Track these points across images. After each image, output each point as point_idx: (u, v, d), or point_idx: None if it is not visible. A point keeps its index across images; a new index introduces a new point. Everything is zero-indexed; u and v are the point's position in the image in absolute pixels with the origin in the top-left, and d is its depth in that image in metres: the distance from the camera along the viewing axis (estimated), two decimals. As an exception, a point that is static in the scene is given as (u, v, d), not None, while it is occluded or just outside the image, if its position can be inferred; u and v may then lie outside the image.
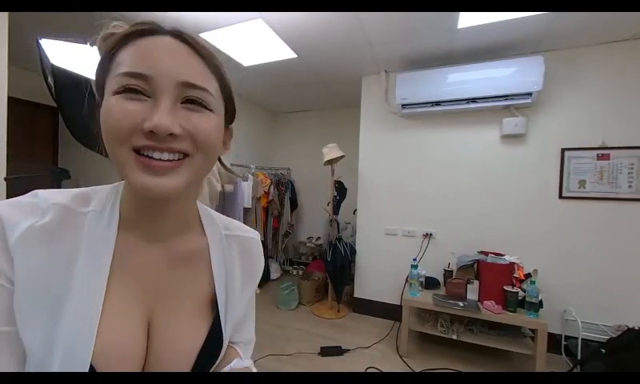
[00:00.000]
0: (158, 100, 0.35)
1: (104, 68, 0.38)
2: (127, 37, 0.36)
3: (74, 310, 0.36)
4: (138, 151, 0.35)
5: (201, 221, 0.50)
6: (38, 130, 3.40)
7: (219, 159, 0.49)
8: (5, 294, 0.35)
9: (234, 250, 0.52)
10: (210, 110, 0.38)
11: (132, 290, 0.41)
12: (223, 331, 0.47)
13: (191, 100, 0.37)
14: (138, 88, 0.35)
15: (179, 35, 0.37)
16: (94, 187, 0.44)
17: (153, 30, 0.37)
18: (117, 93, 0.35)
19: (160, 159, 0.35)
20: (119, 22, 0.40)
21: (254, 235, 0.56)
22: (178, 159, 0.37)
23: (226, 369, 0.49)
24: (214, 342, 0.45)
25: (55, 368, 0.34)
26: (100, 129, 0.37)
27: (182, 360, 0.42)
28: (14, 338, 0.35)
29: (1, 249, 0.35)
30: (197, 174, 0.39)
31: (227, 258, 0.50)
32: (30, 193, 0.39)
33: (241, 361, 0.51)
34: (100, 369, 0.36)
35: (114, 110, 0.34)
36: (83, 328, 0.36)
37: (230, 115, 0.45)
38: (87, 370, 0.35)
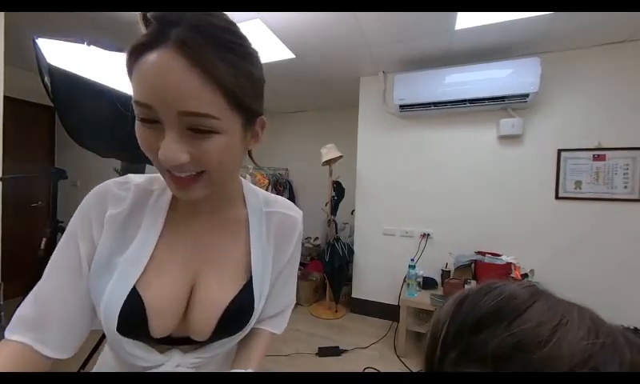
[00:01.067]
0: (164, 129, 0.36)
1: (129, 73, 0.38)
2: (135, 51, 0.35)
3: (128, 258, 0.45)
4: None
5: (244, 196, 0.55)
6: (35, 130, 3.38)
7: (249, 152, 0.50)
8: (90, 253, 0.46)
9: (273, 224, 0.56)
10: (217, 132, 0.37)
11: (180, 253, 0.49)
12: (255, 294, 0.51)
13: (195, 128, 0.36)
14: (148, 117, 0.36)
15: (182, 46, 0.34)
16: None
17: (154, 42, 0.34)
18: (138, 120, 0.37)
19: (180, 175, 0.39)
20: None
21: (295, 213, 0.59)
22: (197, 173, 0.39)
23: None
24: (243, 300, 0.50)
25: (106, 294, 0.43)
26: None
27: (211, 309, 0.48)
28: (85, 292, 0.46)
29: (98, 220, 0.46)
30: (218, 181, 0.42)
31: (265, 232, 0.55)
32: (124, 176, 0.51)
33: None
34: (144, 296, 0.44)
35: (139, 137, 0.38)
36: (130, 270, 0.44)
37: (253, 113, 0.42)
38: (127, 294, 0.43)
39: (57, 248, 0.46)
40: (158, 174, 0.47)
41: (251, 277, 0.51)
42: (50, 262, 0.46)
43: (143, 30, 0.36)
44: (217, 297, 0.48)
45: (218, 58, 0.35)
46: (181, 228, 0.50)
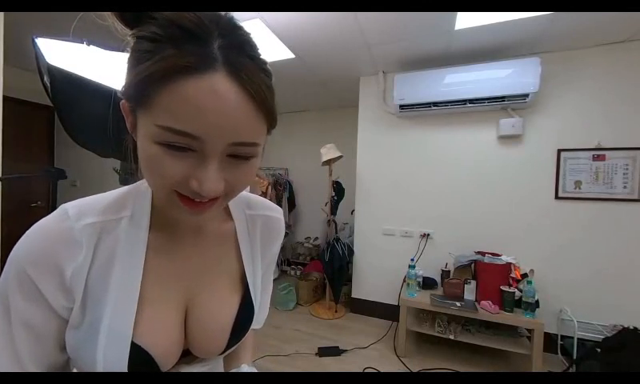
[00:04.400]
0: (205, 160, 0.33)
1: (137, 95, 0.32)
2: (172, 73, 0.29)
3: (113, 307, 0.39)
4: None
5: (227, 205, 0.52)
6: (34, 130, 3.38)
7: None
8: (55, 321, 0.39)
9: (257, 228, 0.54)
10: (254, 157, 0.36)
11: (168, 277, 0.44)
12: (254, 303, 0.51)
13: (236, 155, 0.34)
14: (185, 146, 0.32)
15: (234, 71, 0.31)
16: (120, 192, 0.44)
17: (200, 65, 0.29)
18: (159, 143, 0.32)
19: (201, 200, 0.35)
20: (157, 29, 0.31)
21: (276, 213, 0.58)
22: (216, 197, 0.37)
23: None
24: (245, 314, 0.49)
25: (100, 354, 0.37)
26: (114, 123, 0.37)
27: (219, 333, 0.46)
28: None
29: (52, 282, 0.37)
30: (228, 201, 0.40)
31: (252, 237, 0.53)
32: (59, 212, 0.39)
33: (246, 367, 0.55)
34: (145, 346, 0.39)
35: (158, 162, 0.32)
36: (122, 321, 0.39)
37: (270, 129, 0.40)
38: (128, 350, 0.38)
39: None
40: (117, 196, 0.43)
41: (247, 285, 0.51)
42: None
43: (118, 27, 0.34)
44: (221, 317, 0.47)
45: (260, 81, 0.33)
46: (166, 254, 0.45)
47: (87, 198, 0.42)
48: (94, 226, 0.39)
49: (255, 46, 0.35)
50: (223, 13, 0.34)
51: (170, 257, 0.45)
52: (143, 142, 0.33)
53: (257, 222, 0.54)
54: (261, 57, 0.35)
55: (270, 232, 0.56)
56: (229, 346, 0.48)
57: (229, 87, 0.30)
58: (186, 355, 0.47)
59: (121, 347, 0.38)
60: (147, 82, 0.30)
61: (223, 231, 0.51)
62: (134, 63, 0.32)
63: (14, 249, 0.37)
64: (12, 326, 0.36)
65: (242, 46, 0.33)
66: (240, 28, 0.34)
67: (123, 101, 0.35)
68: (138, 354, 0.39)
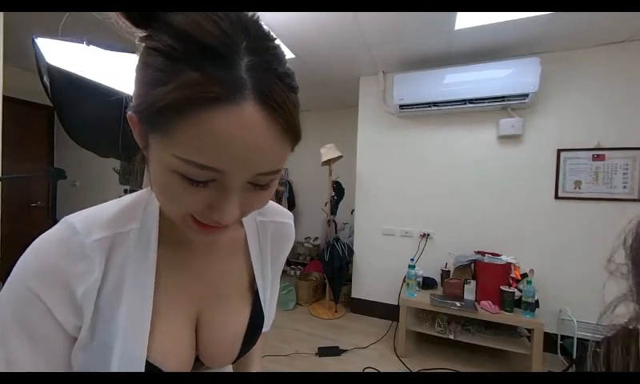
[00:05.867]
0: (227, 191, 0.30)
1: (152, 121, 0.29)
2: (191, 104, 0.26)
3: (125, 327, 0.37)
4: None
5: None
6: (34, 130, 3.38)
7: None
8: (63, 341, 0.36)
9: (268, 235, 0.53)
10: (275, 179, 0.34)
11: (179, 290, 0.43)
12: (264, 310, 0.51)
13: (257, 183, 0.32)
14: (206, 179, 0.30)
15: (264, 99, 0.28)
16: (125, 202, 0.42)
17: (228, 96, 0.26)
18: (176, 173, 0.29)
19: (216, 226, 0.34)
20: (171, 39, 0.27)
21: (287, 219, 0.57)
22: None
23: None
24: (256, 322, 0.49)
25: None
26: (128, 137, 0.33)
27: (230, 344, 0.46)
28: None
29: (68, 303, 0.35)
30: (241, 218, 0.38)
31: (262, 244, 0.52)
32: (65, 226, 0.36)
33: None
34: (159, 364, 0.38)
35: (174, 191, 0.30)
36: (135, 341, 0.37)
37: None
38: (144, 370, 0.37)
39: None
40: (125, 206, 0.40)
41: (257, 293, 0.50)
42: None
43: (122, 26, 0.31)
44: (232, 328, 0.46)
45: (291, 104, 0.30)
46: (176, 268, 0.43)
47: (90, 209, 0.39)
48: (103, 240, 0.37)
49: (283, 59, 0.31)
50: (249, 14, 0.30)
51: (181, 270, 0.44)
52: (158, 167, 0.30)
53: (267, 229, 0.53)
54: (289, 72, 0.31)
55: (281, 239, 0.55)
56: (240, 355, 0.48)
57: (258, 118, 0.27)
58: (196, 362, 0.46)
59: (135, 368, 0.37)
60: (165, 111, 0.26)
61: (234, 239, 0.50)
62: (147, 80, 0.28)
63: (18, 264, 0.34)
64: (16, 343, 0.33)
65: (271, 64, 0.29)
66: (268, 38, 0.31)
67: (131, 114, 0.32)
68: (152, 373, 0.38)
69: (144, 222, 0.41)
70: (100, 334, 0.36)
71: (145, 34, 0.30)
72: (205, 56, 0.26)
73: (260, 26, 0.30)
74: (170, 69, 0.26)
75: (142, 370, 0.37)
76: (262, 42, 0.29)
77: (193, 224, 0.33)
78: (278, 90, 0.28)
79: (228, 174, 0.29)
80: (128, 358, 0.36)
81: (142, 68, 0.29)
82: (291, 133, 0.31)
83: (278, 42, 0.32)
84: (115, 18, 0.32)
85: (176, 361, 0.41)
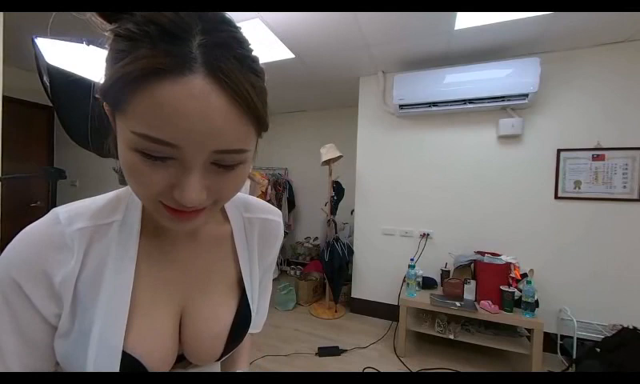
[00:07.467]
0: (187, 169, 0.31)
1: (112, 98, 0.30)
2: (145, 75, 0.27)
3: (103, 315, 0.37)
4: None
5: (223, 207, 0.50)
6: (34, 130, 3.38)
7: None
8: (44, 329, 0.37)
9: (255, 232, 0.53)
10: (242, 163, 0.34)
11: (161, 283, 0.43)
12: (251, 307, 0.49)
13: (221, 163, 0.32)
14: (164, 155, 0.30)
15: (214, 72, 0.28)
16: (112, 195, 0.43)
17: (175, 67, 0.27)
18: (136, 151, 0.30)
19: (185, 209, 0.34)
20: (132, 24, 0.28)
21: (275, 217, 0.56)
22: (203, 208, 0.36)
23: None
24: (242, 319, 0.48)
25: (90, 364, 0.36)
26: (94, 124, 0.34)
27: (215, 339, 0.45)
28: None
29: (47, 291, 0.36)
30: (218, 209, 0.39)
31: (249, 240, 0.52)
32: (50, 216, 0.38)
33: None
34: (138, 356, 0.38)
35: (137, 170, 0.31)
36: (112, 331, 0.37)
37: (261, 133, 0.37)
38: (119, 361, 0.37)
39: None
40: (109, 199, 0.42)
41: (244, 289, 0.49)
42: None
43: (97, 22, 0.31)
44: (216, 323, 0.45)
45: (247, 83, 0.30)
46: (158, 259, 0.43)
47: (80, 201, 0.41)
48: (84, 230, 0.38)
49: (244, 41, 0.32)
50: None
51: (163, 262, 0.44)
52: (121, 147, 0.31)
53: (254, 226, 0.53)
54: (250, 54, 0.32)
55: (268, 236, 0.55)
56: (225, 352, 0.47)
57: (208, 90, 0.28)
58: (181, 360, 0.46)
59: (111, 358, 0.36)
60: (121, 84, 0.28)
61: (219, 234, 0.49)
62: (110, 63, 0.29)
63: (3, 254, 0.36)
64: (1, 331, 0.35)
65: (227, 43, 0.30)
66: (227, 22, 0.31)
67: (99, 97, 0.33)
68: (129, 363, 0.37)
69: (127, 214, 0.42)
70: (79, 323, 0.37)
71: (113, 26, 0.31)
72: (159, 34, 0.27)
73: (221, 14, 0.31)
74: (128, 48, 0.28)
75: (119, 360, 0.37)
76: (219, 25, 0.30)
77: (164, 210, 0.34)
78: (231, 67, 0.29)
79: (184, 150, 0.29)
80: (104, 346, 0.36)
81: (108, 55, 0.30)
82: (250, 112, 0.31)
83: (242, 30, 0.32)
84: (89, 15, 0.33)
85: (156, 352, 0.40)
